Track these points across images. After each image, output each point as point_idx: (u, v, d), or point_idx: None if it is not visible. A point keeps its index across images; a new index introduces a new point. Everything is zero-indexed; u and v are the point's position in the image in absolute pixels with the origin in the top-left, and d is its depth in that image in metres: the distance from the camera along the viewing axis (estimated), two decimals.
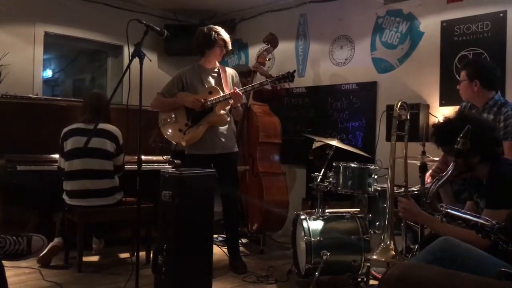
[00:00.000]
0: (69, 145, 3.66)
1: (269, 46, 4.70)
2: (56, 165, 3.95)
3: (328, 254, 3.11)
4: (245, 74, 4.06)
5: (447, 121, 2.40)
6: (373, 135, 4.63)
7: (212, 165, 3.62)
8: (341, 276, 3.35)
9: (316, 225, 3.24)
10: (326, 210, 3.40)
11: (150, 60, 3.12)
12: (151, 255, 3.40)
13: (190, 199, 2.92)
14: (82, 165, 3.63)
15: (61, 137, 3.71)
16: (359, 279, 3.24)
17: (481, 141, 2.17)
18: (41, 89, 5.33)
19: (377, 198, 3.44)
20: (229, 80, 3.77)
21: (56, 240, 3.70)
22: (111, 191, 3.69)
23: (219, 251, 4.00)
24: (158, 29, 2.90)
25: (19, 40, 5.11)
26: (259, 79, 4.43)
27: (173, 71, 4.58)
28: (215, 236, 4.19)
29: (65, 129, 3.72)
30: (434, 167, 3.13)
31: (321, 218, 3.30)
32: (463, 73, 3.17)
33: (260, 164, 4.40)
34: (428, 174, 3.16)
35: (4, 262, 2.24)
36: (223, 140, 3.70)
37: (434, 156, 3.10)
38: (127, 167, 3.87)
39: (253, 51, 5.89)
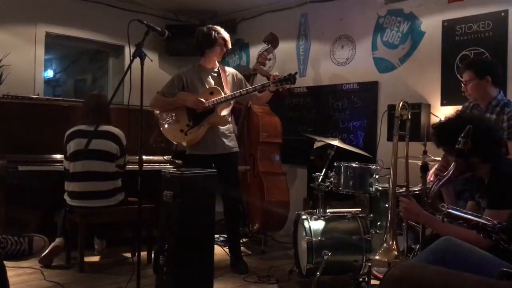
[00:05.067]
0: (72, 147, 3.67)
1: (269, 46, 4.70)
2: (57, 165, 3.97)
3: (330, 254, 3.11)
4: (246, 77, 4.08)
5: (448, 121, 2.39)
6: (374, 135, 4.64)
7: (213, 165, 3.62)
8: (342, 276, 3.35)
9: (317, 225, 3.24)
10: (327, 210, 3.40)
11: (151, 60, 3.13)
12: (153, 255, 3.41)
13: (191, 199, 2.92)
14: (84, 167, 3.63)
15: (64, 140, 3.72)
16: (361, 279, 3.24)
17: (482, 141, 2.17)
18: (42, 89, 5.33)
19: (379, 198, 3.44)
20: (229, 79, 3.77)
21: (58, 240, 3.70)
22: (113, 193, 3.69)
23: (220, 251, 3.99)
24: (159, 29, 2.90)
25: (20, 40, 5.12)
26: (259, 79, 4.43)
27: (174, 71, 4.58)
28: (216, 236, 4.19)
29: (68, 132, 3.73)
30: (437, 165, 3.13)
31: (322, 218, 3.30)
32: (469, 74, 3.10)
33: (261, 164, 4.40)
34: (431, 172, 3.16)
35: (6, 263, 2.24)
36: (224, 140, 3.70)
37: (436, 156, 3.09)
38: (128, 167, 3.87)
39: (254, 51, 5.89)
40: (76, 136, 3.67)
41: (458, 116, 2.40)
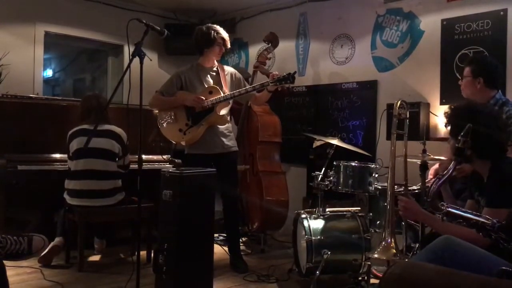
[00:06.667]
0: (74, 145, 3.67)
1: (269, 45, 4.70)
2: (57, 164, 3.97)
3: (329, 253, 3.11)
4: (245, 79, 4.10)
5: (466, 106, 2.41)
6: (374, 134, 4.64)
7: (212, 164, 3.61)
8: (342, 275, 3.35)
9: (316, 224, 3.24)
10: (327, 209, 3.40)
11: (151, 60, 3.13)
12: (152, 254, 3.41)
13: (190, 198, 2.92)
14: (85, 165, 3.62)
15: (67, 139, 3.72)
16: (360, 278, 3.24)
17: (482, 140, 2.17)
18: (41, 88, 5.34)
19: (378, 197, 3.44)
20: (228, 78, 3.77)
21: (57, 240, 3.70)
22: (113, 192, 3.68)
23: (220, 250, 4.00)
24: (159, 28, 2.90)
25: (19, 40, 5.12)
26: (259, 78, 4.42)
27: (173, 71, 4.57)
28: (216, 235, 4.19)
29: (71, 131, 3.73)
30: (436, 165, 3.14)
31: (321, 217, 3.30)
32: (467, 69, 3.14)
33: (260, 163, 4.40)
34: (434, 167, 3.17)
35: (5, 262, 2.24)
36: (223, 139, 3.70)
37: (435, 154, 3.10)
38: None
39: (253, 50, 5.89)
40: (79, 135, 3.66)
41: (476, 106, 2.41)
